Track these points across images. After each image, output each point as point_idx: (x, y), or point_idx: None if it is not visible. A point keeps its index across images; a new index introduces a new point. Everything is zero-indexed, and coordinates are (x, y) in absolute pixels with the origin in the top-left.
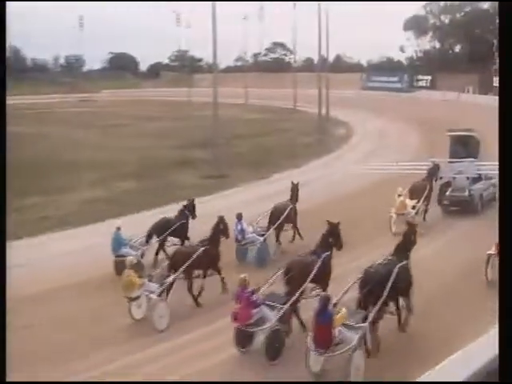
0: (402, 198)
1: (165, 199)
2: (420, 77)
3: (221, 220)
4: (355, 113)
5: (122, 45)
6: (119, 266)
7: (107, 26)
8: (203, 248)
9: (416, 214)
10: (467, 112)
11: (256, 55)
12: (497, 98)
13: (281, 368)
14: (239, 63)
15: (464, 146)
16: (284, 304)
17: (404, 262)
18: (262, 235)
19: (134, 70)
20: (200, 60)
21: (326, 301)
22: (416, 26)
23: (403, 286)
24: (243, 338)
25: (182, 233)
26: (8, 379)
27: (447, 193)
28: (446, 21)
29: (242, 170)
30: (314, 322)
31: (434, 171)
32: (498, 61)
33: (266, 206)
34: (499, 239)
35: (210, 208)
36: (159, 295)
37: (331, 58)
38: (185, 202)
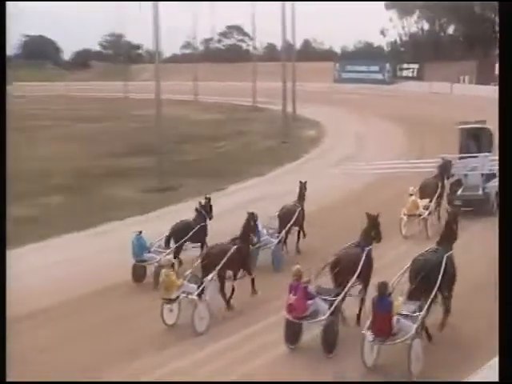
0: (413, 198)
1: (99, 218)
2: (405, 65)
3: (251, 217)
4: (328, 110)
5: (39, 26)
6: (138, 272)
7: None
8: (236, 246)
9: (429, 214)
10: (463, 107)
11: (207, 41)
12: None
13: (334, 361)
14: (187, 51)
15: (476, 140)
16: (336, 296)
17: (450, 253)
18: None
19: (55, 58)
20: (138, 47)
21: (384, 288)
22: (400, 3)
23: (448, 278)
24: (293, 333)
25: (201, 236)
26: (8, 379)
27: (458, 192)
28: None
29: (193, 181)
30: (373, 310)
31: (445, 168)
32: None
33: (224, 225)
34: (499, 239)
35: (151, 229)
36: (199, 296)
37: (298, 44)
38: (202, 201)
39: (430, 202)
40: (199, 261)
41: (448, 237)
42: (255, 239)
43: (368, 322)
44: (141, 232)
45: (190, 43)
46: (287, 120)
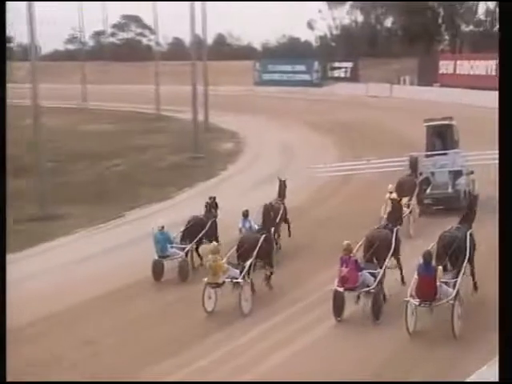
0: (394, 195)
1: None
2: (337, 64)
3: (270, 208)
4: (247, 118)
5: None
6: (158, 268)
7: None
8: (264, 236)
9: (410, 213)
10: (405, 113)
11: (98, 35)
12: (447, 90)
13: (380, 328)
14: (72, 46)
15: (443, 137)
16: (380, 268)
17: (471, 230)
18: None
19: None
20: (9, 40)
21: (429, 256)
22: None
23: (471, 252)
24: (339, 305)
25: (212, 232)
26: (8, 379)
27: (428, 190)
28: None
29: (82, 208)
30: (418, 276)
31: (415, 165)
32: (445, 38)
33: (123, 261)
34: (499, 239)
35: (23, 270)
36: (243, 279)
37: (210, 39)
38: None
39: (410, 200)
40: (235, 249)
41: (468, 217)
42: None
43: (409, 290)
44: (163, 227)
45: (76, 37)
46: (198, 131)
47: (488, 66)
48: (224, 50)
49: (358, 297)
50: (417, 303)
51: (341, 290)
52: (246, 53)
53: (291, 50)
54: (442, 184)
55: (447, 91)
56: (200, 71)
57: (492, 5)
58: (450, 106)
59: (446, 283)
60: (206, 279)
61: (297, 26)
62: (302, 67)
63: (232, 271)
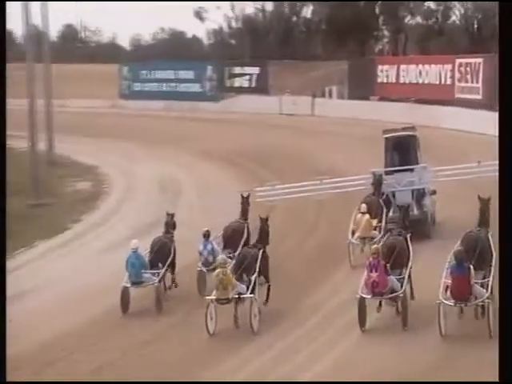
0: (367, 217)
1: None
2: (238, 70)
3: (265, 222)
4: (110, 147)
5: None
6: (126, 297)
7: None
8: (262, 251)
9: (382, 237)
10: (338, 140)
11: None
12: (387, 105)
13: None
14: None
15: (405, 150)
16: (403, 274)
17: (490, 233)
18: (229, 257)
19: None
20: None
21: (461, 256)
22: None
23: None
24: (364, 314)
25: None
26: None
27: (390, 213)
28: None
29: None
30: (452, 275)
31: (379, 183)
32: (385, 34)
33: None
34: (499, 239)
35: None
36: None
37: (55, 31)
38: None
39: (380, 222)
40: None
41: (484, 221)
42: (210, 259)
43: (441, 291)
44: (137, 249)
45: None
46: (39, 165)
47: (441, 72)
48: (76, 48)
49: (380, 304)
50: (452, 304)
51: (368, 296)
52: (107, 53)
53: (173, 50)
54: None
55: (388, 107)
56: (40, 78)
57: None
58: (392, 127)
59: (477, 283)
60: (211, 296)
61: (181, 15)
62: (189, 74)
63: (239, 286)
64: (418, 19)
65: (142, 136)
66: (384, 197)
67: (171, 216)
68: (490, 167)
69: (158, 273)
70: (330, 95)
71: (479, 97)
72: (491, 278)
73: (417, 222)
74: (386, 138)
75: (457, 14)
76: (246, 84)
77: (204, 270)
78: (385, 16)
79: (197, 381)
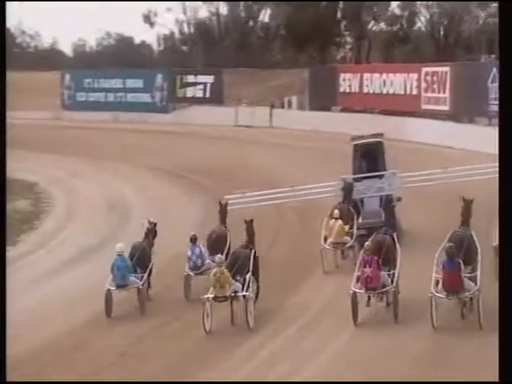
0: (340, 222)
1: None
2: (191, 78)
3: (251, 223)
4: (50, 162)
5: None
6: (110, 301)
7: None
8: (253, 251)
9: (355, 242)
10: (299, 154)
11: None
12: (350, 116)
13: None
14: None
15: (373, 157)
16: (393, 270)
17: (472, 232)
18: (213, 261)
19: None
20: None
21: (452, 251)
22: None
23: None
24: (356, 308)
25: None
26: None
27: (359, 220)
28: None
29: None
30: (444, 269)
31: (349, 191)
32: (347, 41)
33: None
34: (499, 239)
35: None
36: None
37: None
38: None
39: (351, 228)
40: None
41: (466, 220)
42: (199, 263)
43: (432, 285)
44: (122, 253)
45: None
46: None
47: (407, 81)
48: (12, 54)
49: (369, 299)
50: (443, 296)
51: (361, 291)
52: (48, 59)
53: (121, 57)
54: (373, 212)
55: (350, 118)
56: None
57: None
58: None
59: (466, 277)
60: (208, 295)
61: (128, 19)
62: (138, 83)
63: (235, 285)
64: (382, 25)
65: (87, 150)
66: (352, 203)
67: (154, 224)
68: (456, 173)
69: (142, 276)
70: (290, 105)
71: (446, 108)
72: (478, 272)
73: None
74: (355, 145)
75: (422, 20)
76: (199, 94)
77: (191, 274)
78: (347, 21)
79: (197, 381)
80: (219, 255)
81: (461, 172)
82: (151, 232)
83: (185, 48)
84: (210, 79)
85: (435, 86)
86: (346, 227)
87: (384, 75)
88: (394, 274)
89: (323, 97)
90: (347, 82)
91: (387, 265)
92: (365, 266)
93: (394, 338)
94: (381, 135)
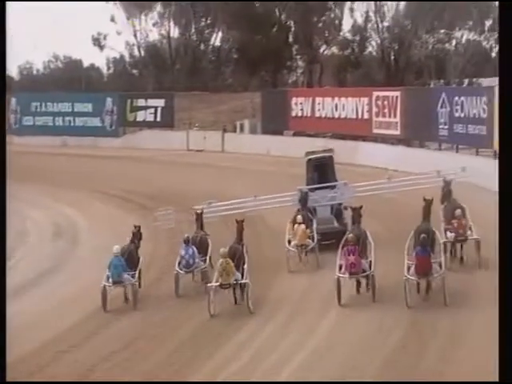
0: (303, 227)
1: None
2: (142, 102)
3: (241, 224)
4: None
5: None
6: (105, 296)
7: None
8: (245, 246)
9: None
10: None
11: None
12: (302, 140)
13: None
14: None
15: (324, 170)
16: (369, 258)
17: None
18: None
19: None
20: None
21: (425, 241)
22: None
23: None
24: (340, 291)
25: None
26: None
27: (313, 226)
28: None
29: None
30: (417, 256)
31: (305, 200)
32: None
33: None
34: (499, 239)
35: None
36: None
37: None
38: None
39: (311, 232)
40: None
41: (426, 216)
42: (191, 262)
43: (405, 270)
44: (119, 253)
45: None
46: None
47: (358, 106)
48: None
49: (358, 285)
50: (416, 278)
51: (345, 276)
52: None
53: (69, 80)
54: (326, 219)
55: (302, 142)
56: None
57: (361, 19)
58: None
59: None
60: (212, 283)
61: (77, 41)
62: (87, 106)
63: (236, 274)
64: (334, 49)
65: (34, 176)
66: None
67: (138, 228)
68: (399, 183)
69: (134, 274)
70: (242, 129)
71: (397, 132)
72: (442, 258)
73: (339, 232)
74: (308, 160)
75: (373, 44)
76: (150, 118)
77: (182, 272)
78: (299, 45)
79: (196, 380)
80: (222, 248)
81: (401, 182)
82: (136, 235)
83: (135, 71)
84: (160, 103)
85: (386, 111)
86: (308, 231)
87: (336, 99)
88: (370, 261)
89: (275, 121)
90: (299, 105)
91: (364, 253)
92: (349, 255)
93: (371, 313)
94: (331, 150)
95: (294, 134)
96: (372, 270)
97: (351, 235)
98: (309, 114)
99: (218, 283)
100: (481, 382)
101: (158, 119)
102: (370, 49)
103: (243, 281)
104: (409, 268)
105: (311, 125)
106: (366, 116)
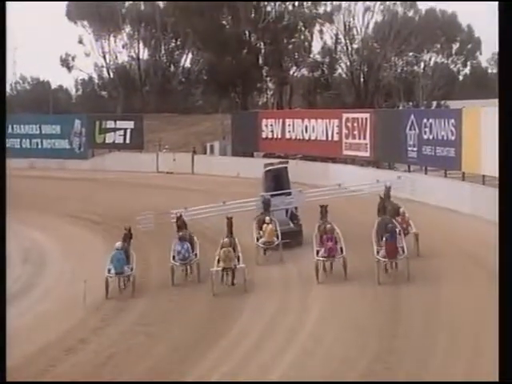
0: (271, 226)
1: None
2: (111, 124)
3: (230, 220)
4: None
5: None
6: (108, 286)
7: None
8: (236, 239)
9: (299, 238)
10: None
11: None
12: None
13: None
14: None
15: (280, 179)
16: (341, 245)
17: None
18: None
19: None
20: None
21: (393, 229)
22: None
23: None
24: (318, 270)
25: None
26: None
27: (277, 225)
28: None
29: None
30: (387, 242)
31: (267, 204)
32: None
33: None
34: (499, 239)
35: None
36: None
37: None
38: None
39: (276, 230)
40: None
41: (382, 211)
42: (186, 255)
43: (375, 253)
44: (122, 248)
45: None
46: None
47: (328, 127)
48: None
49: (331, 267)
50: (386, 260)
51: (323, 259)
52: None
53: (37, 102)
54: (282, 221)
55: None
56: None
57: (330, 40)
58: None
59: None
60: (214, 268)
61: (45, 62)
62: (55, 128)
63: (234, 260)
64: (304, 71)
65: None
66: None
67: (129, 229)
68: (347, 189)
69: (132, 267)
70: (212, 151)
71: (367, 154)
72: (404, 244)
73: (294, 232)
74: (266, 171)
75: (343, 66)
76: (119, 140)
77: (177, 264)
78: (269, 67)
79: (196, 380)
80: (226, 239)
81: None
82: (128, 236)
83: (104, 93)
84: (130, 125)
85: (356, 133)
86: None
87: (306, 121)
88: (341, 247)
89: (246, 142)
90: (269, 127)
91: (337, 241)
92: (327, 241)
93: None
94: (286, 162)
95: (265, 156)
96: (343, 253)
97: (329, 225)
98: (279, 136)
99: (220, 268)
100: (481, 382)
101: (128, 141)
102: (339, 70)
103: (241, 265)
104: (378, 252)
105: (281, 146)
106: (335, 138)
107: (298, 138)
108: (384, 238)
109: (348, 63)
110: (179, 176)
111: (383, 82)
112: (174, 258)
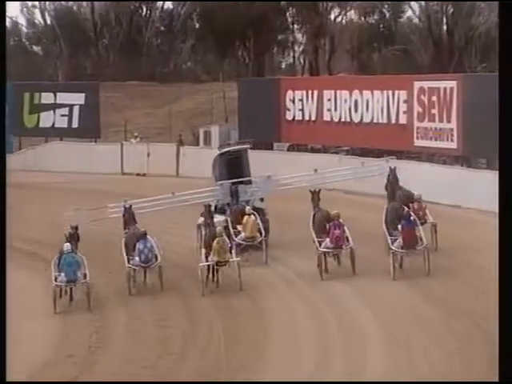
0: (254, 218)
1: None
2: (47, 97)
3: (208, 208)
4: None
5: None
6: (56, 294)
7: None
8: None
9: (265, 236)
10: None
11: None
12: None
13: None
14: None
15: (238, 164)
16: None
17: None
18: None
19: None
20: None
21: (408, 214)
22: None
23: None
24: (322, 264)
25: None
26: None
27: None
28: None
29: None
30: (403, 229)
31: (236, 193)
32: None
33: None
34: (499, 239)
35: None
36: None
37: None
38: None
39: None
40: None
41: (391, 196)
42: (150, 256)
43: (390, 243)
44: (73, 250)
45: None
46: None
47: (391, 104)
48: None
49: (339, 260)
50: (404, 251)
51: (329, 250)
52: None
53: None
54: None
55: (303, 163)
56: None
57: None
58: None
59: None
60: (209, 261)
61: None
62: None
63: (228, 254)
64: (352, 15)
65: None
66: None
67: (75, 228)
68: (328, 175)
69: (85, 273)
70: (208, 141)
71: (453, 145)
72: (422, 232)
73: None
74: (220, 155)
75: (414, 7)
76: (61, 123)
77: (136, 268)
78: (296, 9)
79: (196, 381)
80: (219, 227)
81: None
82: (74, 236)
83: (37, 49)
84: (78, 99)
85: (435, 112)
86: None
87: (356, 93)
88: (347, 237)
89: (260, 127)
90: (298, 103)
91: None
92: (335, 229)
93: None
94: (247, 142)
95: (290, 148)
96: (351, 243)
97: (336, 211)
98: (313, 117)
99: (214, 261)
100: (481, 382)
101: (75, 125)
102: (409, 13)
103: (236, 259)
104: (392, 242)
105: (316, 133)
106: (402, 120)
107: (342, 120)
108: (400, 226)
109: (423, 2)
110: (156, 180)
111: (478, 32)
112: (129, 260)
